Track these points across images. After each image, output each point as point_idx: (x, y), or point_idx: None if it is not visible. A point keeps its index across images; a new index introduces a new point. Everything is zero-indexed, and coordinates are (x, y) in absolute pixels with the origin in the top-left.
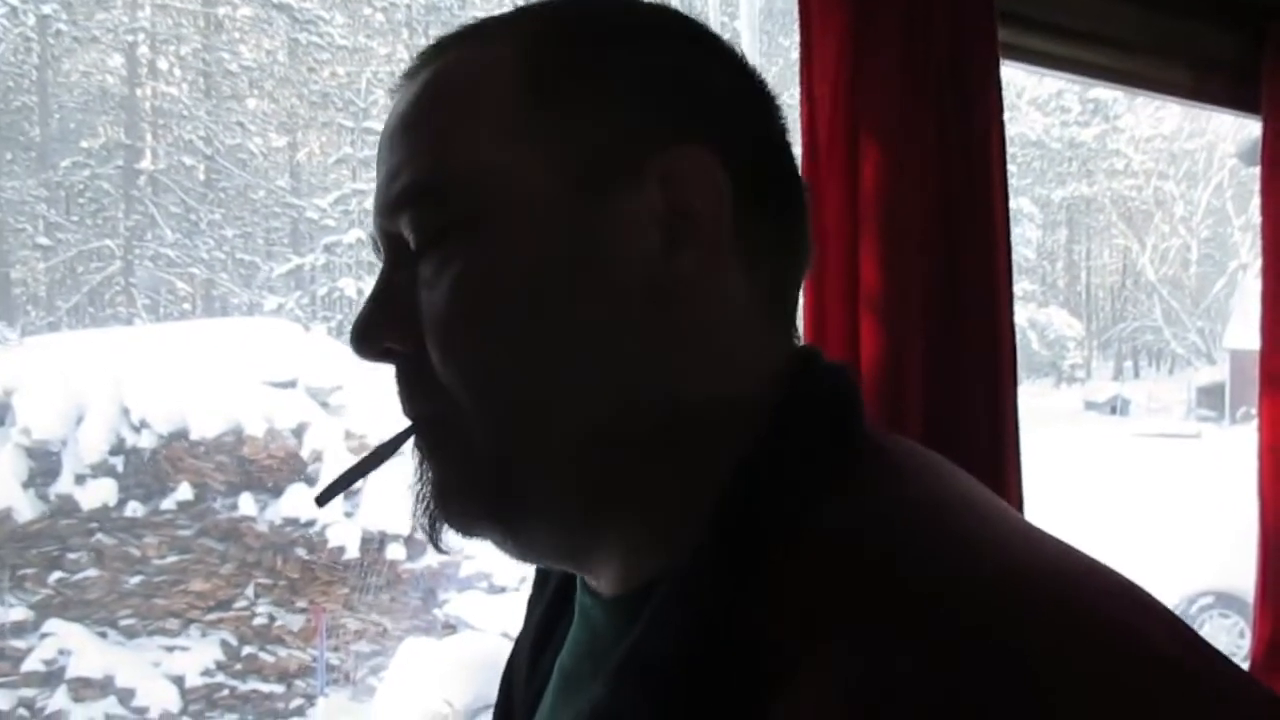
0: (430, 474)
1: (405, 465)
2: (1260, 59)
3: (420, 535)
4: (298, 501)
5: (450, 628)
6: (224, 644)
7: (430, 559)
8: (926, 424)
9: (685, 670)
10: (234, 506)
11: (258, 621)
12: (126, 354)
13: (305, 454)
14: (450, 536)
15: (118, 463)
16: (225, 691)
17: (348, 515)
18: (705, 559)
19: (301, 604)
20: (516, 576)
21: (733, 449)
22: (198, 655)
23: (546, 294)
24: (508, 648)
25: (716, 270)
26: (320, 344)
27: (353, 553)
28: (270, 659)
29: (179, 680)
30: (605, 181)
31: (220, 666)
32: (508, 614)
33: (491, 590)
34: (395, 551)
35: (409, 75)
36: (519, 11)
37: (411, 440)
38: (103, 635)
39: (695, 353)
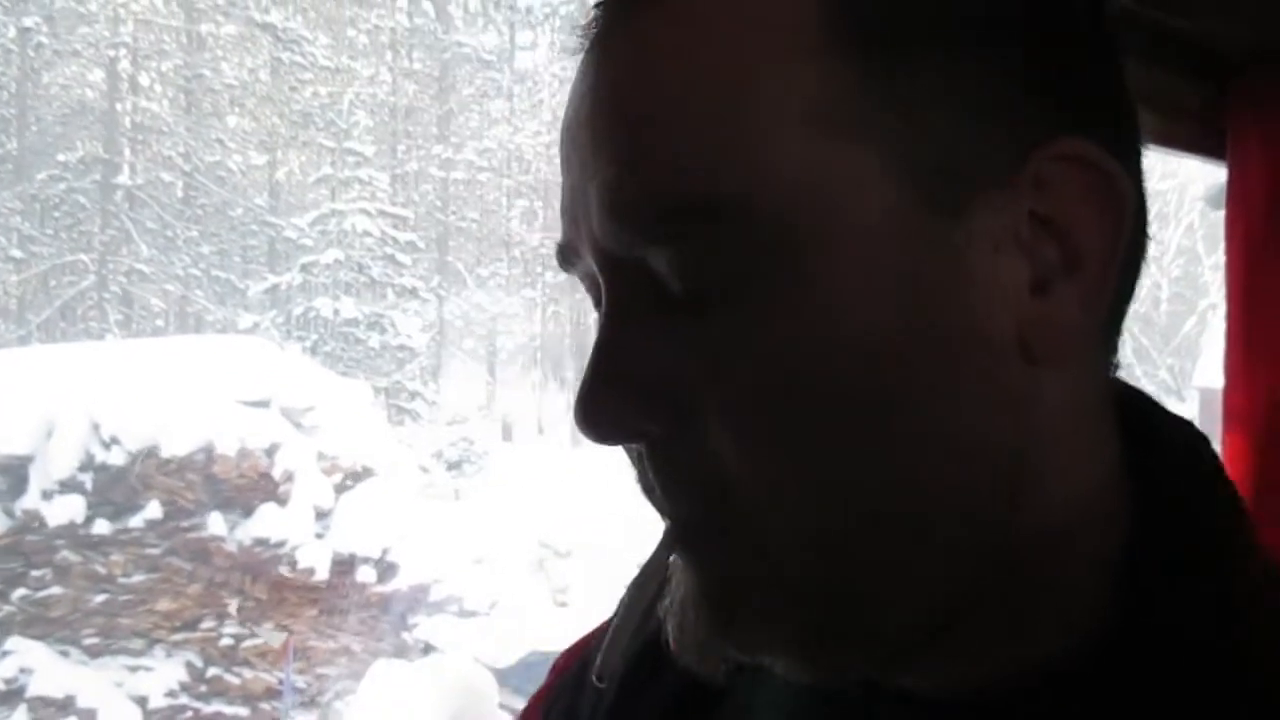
0: (701, 586)
1: (388, 482)
2: (1225, 109)
3: (685, 658)
4: (268, 521)
5: (420, 651)
6: (189, 665)
7: (400, 582)
8: None
9: None
10: (203, 526)
11: (224, 642)
12: (98, 369)
13: (277, 474)
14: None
15: (86, 479)
16: (189, 713)
17: (319, 536)
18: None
19: (269, 625)
20: (487, 601)
21: (1105, 536)
22: (162, 676)
23: (897, 360)
24: (476, 671)
25: (1094, 311)
26: (295, 363)
27: (323, 574)
28: (236, 680)
29: (142, 701)
30: (960, 193)
31: (184, 687)
32: (478, 638)
33: (462, 614)
34: (366, 574)
35: (620, 7)
36: None
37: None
38: (65, 654)
39: (1065, 426)
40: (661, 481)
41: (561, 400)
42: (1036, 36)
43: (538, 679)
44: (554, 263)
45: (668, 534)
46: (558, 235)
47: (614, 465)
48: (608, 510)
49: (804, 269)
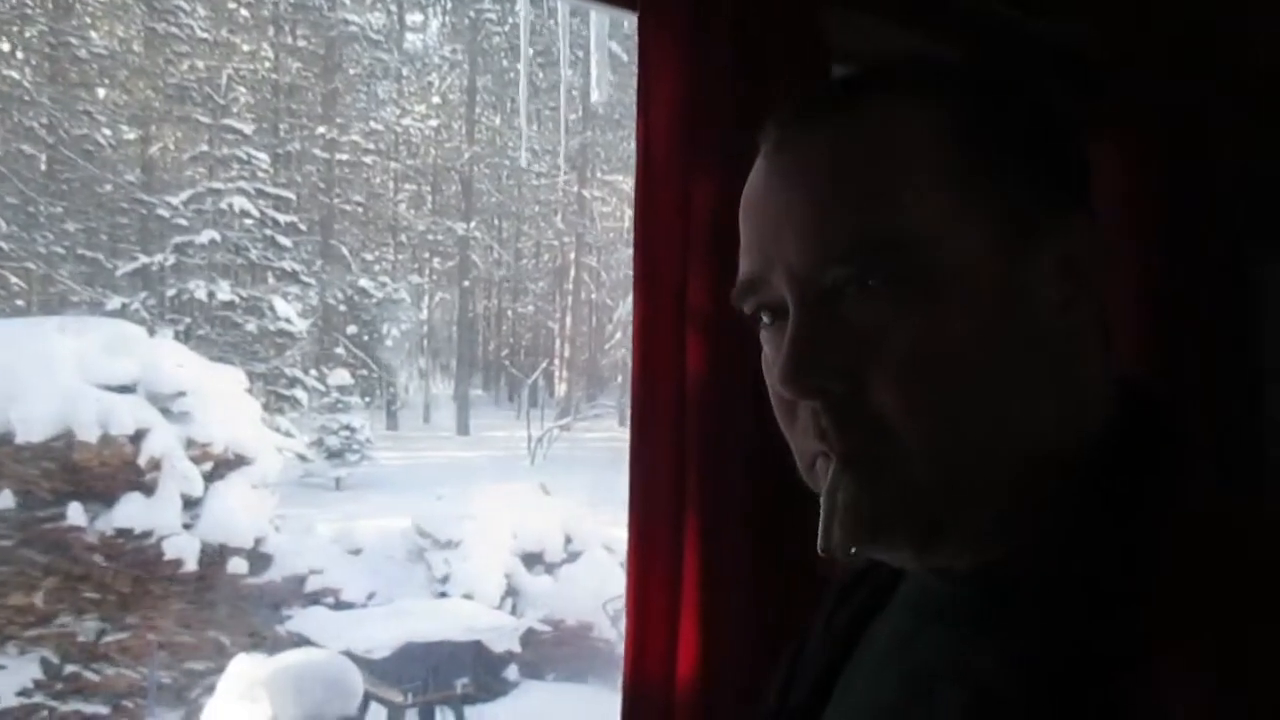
0: (857, 505)
1: (263, 470)
2: None
3: (831, 553)
4: (132, 511)
5: (293, 644)
6: (44, 662)
7: (274, 573)
8: (750, 439)
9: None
10: (61, 516)
11: (83, 639)
12: None
13: (142, 461)
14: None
15: None
16: (44, 713)
17: (187, 527)
18: (1078, 540)
19: (133, 620)
20: (364, 593)
21: (1080, 458)
22: (14, 674)
23: (988, 346)
24: (338, 662)
25: (1094, 314)
26: (163, 347)
27: (191, 566)
28: (96, 678)
29: None
30: (1020, 245)
31: (39, 686)
32: (353, 629)
33: (338, 606)
34: (237, 565)
35: (814, 116)
36: (935, 66)
37: (825, 473)
38: None
39: (1078, 385)
40: (835, 425)
41: (447, 389)
42: (1051, 151)
43: (414, 670)
44: (441, 249)
45: (836, 465)
46: (447, 221)
47: (497, 456)
48: (491, 500)
49: (936, 286)
